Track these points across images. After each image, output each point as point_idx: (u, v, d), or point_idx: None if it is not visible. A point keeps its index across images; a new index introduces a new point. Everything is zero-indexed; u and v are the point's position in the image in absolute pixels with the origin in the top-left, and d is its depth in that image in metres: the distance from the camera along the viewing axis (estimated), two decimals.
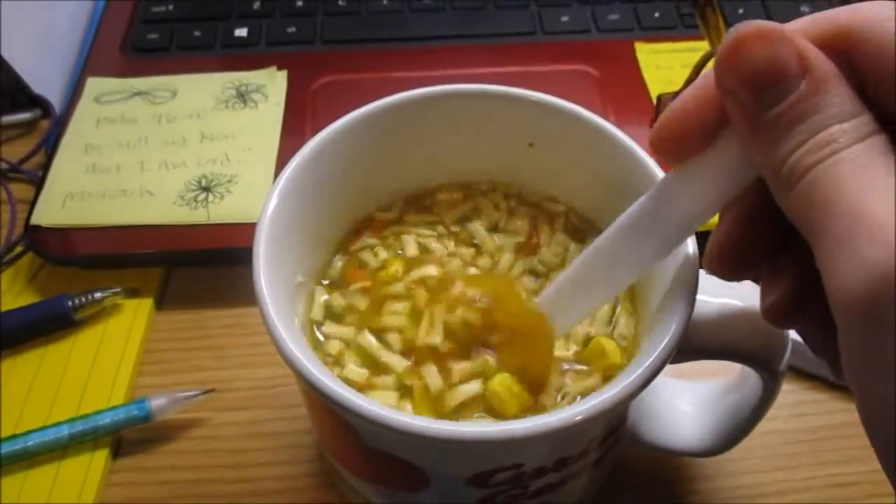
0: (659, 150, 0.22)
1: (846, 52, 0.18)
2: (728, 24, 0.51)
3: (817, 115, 0.17)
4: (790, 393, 0.38)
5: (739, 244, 0.22)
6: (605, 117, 0.47)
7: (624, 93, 0.48)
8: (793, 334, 0.27)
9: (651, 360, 0.23)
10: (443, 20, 0.52)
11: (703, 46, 0.47)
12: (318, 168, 0.28)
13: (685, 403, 0.33)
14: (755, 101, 0.18)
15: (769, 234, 0.22)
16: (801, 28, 0.19)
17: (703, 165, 0.21)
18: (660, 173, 0.28)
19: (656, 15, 0.52)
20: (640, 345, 0.28)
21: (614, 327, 0.30)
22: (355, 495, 0.32)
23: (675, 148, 0.21)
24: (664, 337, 0.24)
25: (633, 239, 0.23)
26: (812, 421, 0.37)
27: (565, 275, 0.26)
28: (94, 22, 0.53)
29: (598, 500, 0.33)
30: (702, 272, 0.25)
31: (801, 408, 0.37)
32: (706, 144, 0.21)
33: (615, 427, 0.27)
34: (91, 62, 0.50)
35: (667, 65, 0.49)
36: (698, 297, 0.25)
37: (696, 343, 0.25)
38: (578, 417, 0.22)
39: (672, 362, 0.25)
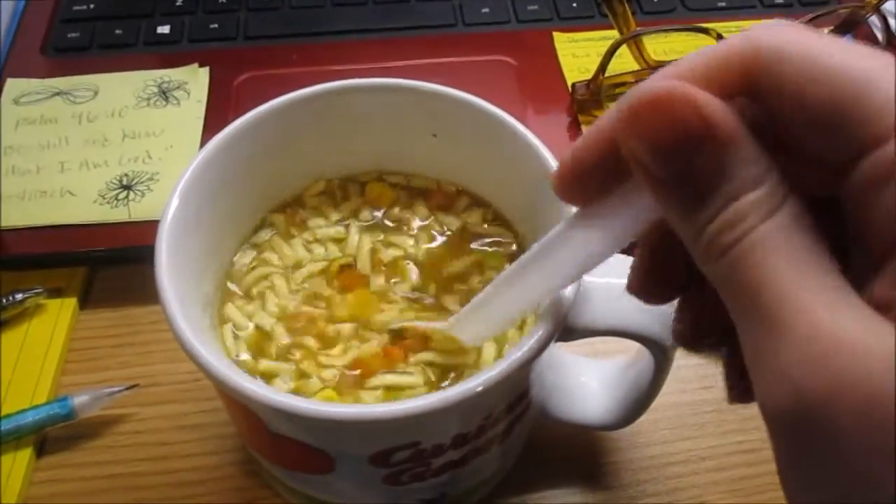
0: (562, 197, 0.21)
1: (755, 84, 0.17)
2: (640, 12, 0.53)
3: (725, 184, 0.16)
4: (699, 367, 0.40)
5: (652, 273, 0.22)
6: (523, 105, 0.49)
7: (542, 81, 0.49)
8: None
9: (526, 347, 0.24)
10: (365, 14, 0.53)
11: (616, 35, 0.48)
12: (221, 165, 0.29)
13: (592, 380, 0.34)
14: (661, 168, 0.17)
15: (678, 267, 0.21)
16: (704, 68, 0.17)
17: (607, 210, 0.20)
18: (553, 162, 0.29)
19: (574, 5, 0.53)
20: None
21: None
22: (275, 481, 0.33)
23: (578, 194, 0.20)
24: (546, 321, 0.25)
25: (537, 272, 0.24)
26: (718, 393, 0.39)
27: (477, 297, 0.27)
28: (13, 23, 0.52)
29: (513, 476, 0.35)
30: None
31: (708, 381, 0.39)
32: (610, 186, 0.20)
33: (513, 403, 0.28)
34: (10, 64, 0.49)
35: (583, 53, 0.50)
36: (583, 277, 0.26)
37: (584, 322, 0.27)
38: (458, 398, 0.23)
39: (561, 340, 0.27)
